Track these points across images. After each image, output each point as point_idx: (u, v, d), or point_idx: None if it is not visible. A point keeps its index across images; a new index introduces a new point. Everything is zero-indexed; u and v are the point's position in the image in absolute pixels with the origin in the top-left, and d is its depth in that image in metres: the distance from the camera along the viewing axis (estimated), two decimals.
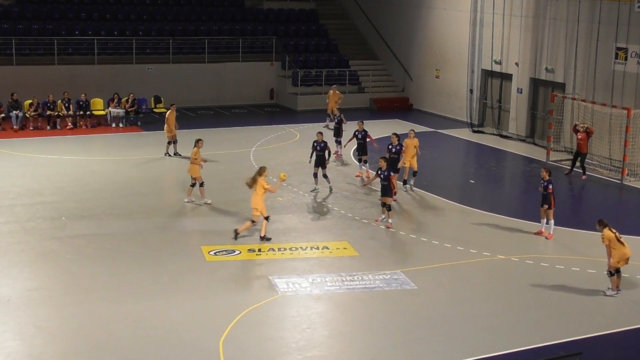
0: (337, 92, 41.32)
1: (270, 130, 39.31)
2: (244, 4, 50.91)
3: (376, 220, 25.64)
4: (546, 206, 24.50)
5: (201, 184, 26.96)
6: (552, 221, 24.69)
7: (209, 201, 26.99)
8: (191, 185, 26.99)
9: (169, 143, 33.45)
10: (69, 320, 18.15)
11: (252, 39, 47.57)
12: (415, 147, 28.96)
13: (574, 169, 32.31)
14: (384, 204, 25.38)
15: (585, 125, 32.45)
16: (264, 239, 23.55)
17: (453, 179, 32.26)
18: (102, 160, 32.75)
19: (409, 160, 28.79)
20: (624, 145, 32.15)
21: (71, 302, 19.08)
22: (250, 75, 46.50)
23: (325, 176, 28.76)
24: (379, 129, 37.60)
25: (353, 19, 52.66)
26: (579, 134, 32.01)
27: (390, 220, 25.28)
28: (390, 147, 28.27)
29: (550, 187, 24.38)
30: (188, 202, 26.96)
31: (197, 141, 27.26)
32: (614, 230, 20.24)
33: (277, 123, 41.39)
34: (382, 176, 25.22)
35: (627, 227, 26.14)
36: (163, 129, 34.07)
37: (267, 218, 23.79)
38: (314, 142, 29.16)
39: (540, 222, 24.98)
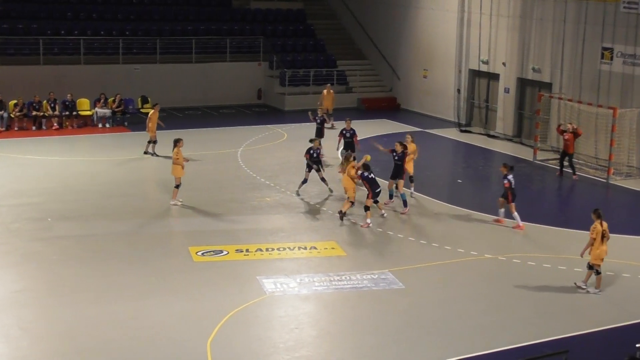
0: (332, 91, 41.34)
1: (258, 131, 39.27)
2: (231, 3, 50.82)
3: (380, 207, 26.24)
4: (502, 199, 25.33)
5: (177, 186, 26.80)
6: (515, 214, 25.25)
7: (179, 203, 26.78)
8: (176, 187, 26.94)
9: (149, 142, 33.36)
10: (54, 322, 18.08)
11: (240, 39, 47.50)
12: (413, 152, 28.70)
13: (564, 169, 32.35)
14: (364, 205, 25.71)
15: (574, 126, 32.51)
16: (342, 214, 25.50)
17: (441, 179, 32.29)
18: (88, 161, 32.65)
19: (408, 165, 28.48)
20: (610, 145, 32.24)
21: (57, 304, 19.01)
22: (238, 75, 46.43)
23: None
24: (366, 129, 37.64)
25: (341, 19, 52.66)
26: (565, 134, 32.07)
27: (368, 220, 25.37)
28: (393, 154, 27.28)
29: (506, 181, 25.06)
30: (174, 204, 26.84)
31: (178, 141, 27.04)
32: (604, 227, 20.29)
33: (265, 123, 41.35)
34: (396, 157, 26.56)
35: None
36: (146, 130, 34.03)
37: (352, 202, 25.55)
38: (342, 129, 30.38)
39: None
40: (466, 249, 23.47)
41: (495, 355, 17.02)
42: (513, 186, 25.36)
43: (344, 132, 31.10)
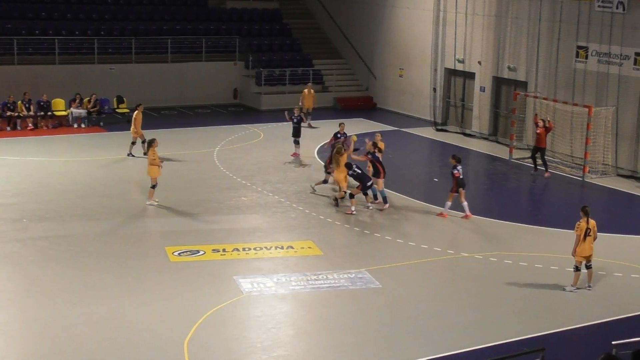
0: (312, 91, 41.34)
1: (234, 130, 39.22)
2: (207, 3, 50.71)
3: (367, 200, 26.96)
4: (460, 190, 26.04)
5: (153, 186, 26.70)
6: (464, 203, 26.11)
7: (155, 203, 26.67)
8: (152, 186, 26.82)
9: (132, 143, 33.21)
10: (31, 323, 18.00)
11: (216, 38, 47.40)
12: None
13: (538, 166, 32.48)
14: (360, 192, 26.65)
15: (547, 119, 32.62)
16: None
17: (417, 178, 32.35)
18: (64, 161, 32.49)
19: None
20: (585, 143, 32.40)
21: (34, 305, 18.92)
22: (214, 75, 46.33)
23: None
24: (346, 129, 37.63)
25: (317, 19, 52.65)
26: (538, 128, 32.20)
27: (353, 208, 26.35)
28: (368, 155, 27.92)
29: (455, 172, 25.90)
30: (150, 204, 26.72)
31: (152, 141, 26.93)
32: (590, 225, 20.34)
33: (241, 123, 41.29)
34: (370, 157, 27.39)
35: None
36: (126, 129, 33.86)
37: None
38: (336, 132, 30.15)
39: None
40: (443, 247, 23.53)
41: (473, 354, 17.07)
42: (462, 177, 26.06)
43: (338, 135, 30.77)
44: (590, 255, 20.47)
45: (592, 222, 20.44)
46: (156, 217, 25.93)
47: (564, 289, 20.61)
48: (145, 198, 26.94)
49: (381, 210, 26.95)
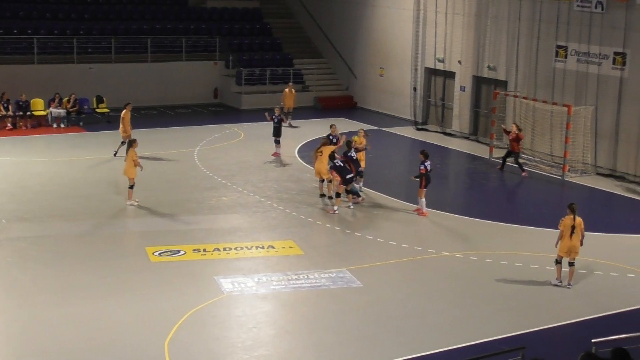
0: (293, 90, 41.31)
1: (215, 130, 39.14)
2: (187, 2, 50.59)
3: (349, 199, 27.12)
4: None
5: (132, 186, 26.53)
6: (422, 200, 26.35)
7: (135, 203, 26.52)
8: (130, 187, 26.65)
9: (122, 143, 32.75)
10: (11, 324, 17.91)
11: (196, 38, 47.31)
12: (363, 147, 29.09)
13: (506, 164, 32.72)
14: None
15: (516, 132, 32.54)
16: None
17: (398, 177, 32.38)
18: (43, 162, 32.33)
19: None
20: (565, 142, 32.53)
21: (13, 306, 18.83)
22: (194, 74, 46.22)
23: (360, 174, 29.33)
24: (324, 128, 37.60)
25: (297, 18, 52.62)
26: (509, 134, 32.44)
27: (335, 208, 26.58)
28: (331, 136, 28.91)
29: (422, 167, 26.20)
30: (130, 205, 26.63)
31: (132, 142, 26.82)
32: (576, 222, 20.49)
33: (221, 122, 41.22)
34: (333, 140, 27.71)
35: None
36: (106, 129, 33.72)
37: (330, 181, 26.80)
38: (328, 134, 29.79)
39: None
40: (424, 246, 23.57)
41: (454, 352, 17.09)
42: (429, 172, 26.29)
43: (331, 137, 30.24)
44: (575, 254, 20.61)
45: (578, 219, 20.58)
46: (136, 217, 25.84)
47: (551, 283, 20.85)
48: (125, 198, 26.83)
49: (356, 202, 27.40)
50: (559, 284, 20.78)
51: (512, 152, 32.50)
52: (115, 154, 32.86)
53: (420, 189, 26.26)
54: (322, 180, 27.88)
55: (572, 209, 20.57)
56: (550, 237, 22.35)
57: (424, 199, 26.36)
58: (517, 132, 32.47)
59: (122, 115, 32.95)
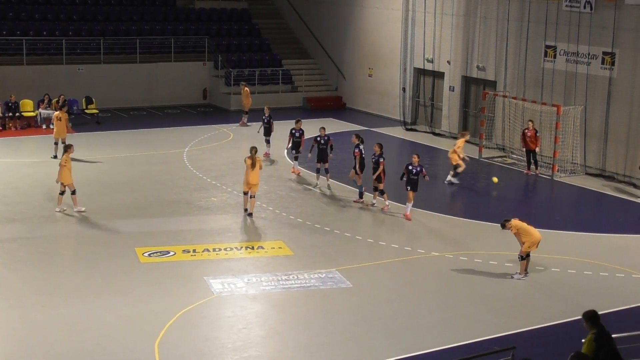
0: (247, 88, 41.35)
1: (204, 131, 39.09)
2: (175, 3, 50.51)
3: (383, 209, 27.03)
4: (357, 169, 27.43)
5: (73, 192, 25.80)
6: (360, 184, 27.82)
7: (83, 209, 25.89)
8: (60, 193, 25.85)
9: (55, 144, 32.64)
10: (0, 326, 17.83)
11: (184, 38, 47.26)
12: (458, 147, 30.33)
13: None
14: (379, 190, 27.04)
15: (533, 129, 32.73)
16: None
17: (386, 177, 32.33)
18: (32, 163, 32.26)
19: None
20: (554, 142, 32.60)
21: (2, 307, 18.77)
22: (183, 75, 46.17)
23: (327, 170, 29.64)
24: (313, 129, 37.57)
25: (286, 18, 52.60)
26: (528, 131, 32.45)
27: (387, 202, 27.15)
28: (410, 167, 26.39)
29: (356, 150, 27.41)
30: (59, 211, 25.79)
31: (68, 147, 26.27)
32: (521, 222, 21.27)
33: (211, 123, 41.18)
34: (413, 171, 26.14)
35: (558, 221, 26.64)
36: (96, 130, 33.63)
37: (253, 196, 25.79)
38: (317, 136, 29.92)
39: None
40: (413, 247, 23.58)
41: (444, 353, 17.10)
42: (363, 155, 27.31)
43: (293, 131, 31.08)
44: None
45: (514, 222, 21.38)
46: (125, 218, 25.77)
47: (511, 277, 21.35)
48: (116, 199, 26.75)
49: (355, 201, 27.85)
50: (524, 278, 21.27)
51: (531, 151, 32.51)
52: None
53: (357, 174, 27.34)
54: (246, 193, 26.05)
55: (506, 220, 21.41)
56: (542, 236, 22.37)
57: (360, 182, 27.30)
58: (533, 129, 32.47)
59: (56, 116, 32.76)
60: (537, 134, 32.41)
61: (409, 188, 26.16)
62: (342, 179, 30.22)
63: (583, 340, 13.56)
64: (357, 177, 27.66)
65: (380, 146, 27.14)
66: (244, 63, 47.30)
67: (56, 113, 33.17)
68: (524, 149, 32.94)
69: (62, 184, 25.86)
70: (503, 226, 21.33)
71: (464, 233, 25.18)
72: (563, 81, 34.06)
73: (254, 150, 26.03)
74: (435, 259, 22.82)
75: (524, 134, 32.59)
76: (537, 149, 32.39)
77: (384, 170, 26.75)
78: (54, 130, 32.80)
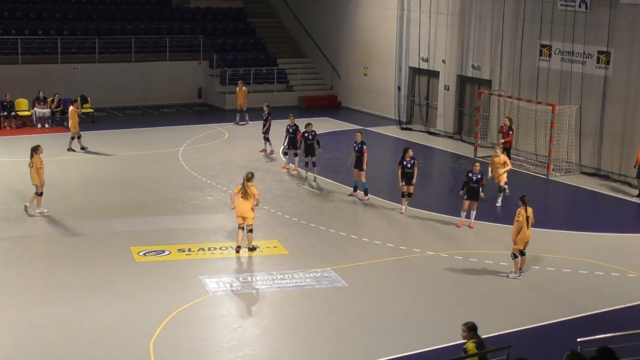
0: (244, 88, 41.33)
1: (199, 130, 39.08)
2: (170, 2, 50.45)
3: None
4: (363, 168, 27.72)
5: (40, 194, 25.53)
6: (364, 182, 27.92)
7: (45, 211, 25.52)
8: (39, 194, 25.62)
9: (72, 138, 33.33)
10: None
11: (180, 37, 47.22)
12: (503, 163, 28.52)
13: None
14: (409, 194, 26.63)
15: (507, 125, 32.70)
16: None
17: (382, 177, 32.37)
18: (27, 162, 32.10)
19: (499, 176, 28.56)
20: (549, 141, 32.63)
21: None
22: (178, 74, 46.12)
23: (314, 164, 30.20)
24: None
25: (281, 17, 52.57)
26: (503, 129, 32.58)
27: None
28: (470, 175, 25.50)
29: (364, 147, 27.79)
30: (40, 213, 25.51)
31: (37, 148, 25.84)
32: (529, 213, 21.06)
33: (206, 122, 41.16)
34: (473, 179, 25.17)
35: (553, 221, 26.63)
36: (91, 130, 33.62)
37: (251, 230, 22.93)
38: (304, 132, 30.19)
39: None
40: (408, 246, 23.59)
41: (439, 352, 17.10)
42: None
43: (288, 127, 31.28)
44: (527, 243, 21.26)
45: (529, 209, 21.13)
46: (121, 216, 25.75)
47: (507, 276, 21.33)
48: (111, 197, 26.72)
49: (361, 199, 27.95)
50: (519, 277, 21.25)
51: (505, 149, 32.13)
52: (82, 149, 33.35)
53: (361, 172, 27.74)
54: (242, 228, 22.87)
55: (523, 201, 21.16)
56: (538, 236, 22.43)
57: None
58: (506, 125, 32.47)
59: (69, 112, 33.39)
60: (510, 132, 32.42)
61: (466, 197, 25.28)
62: (337, 178, 30.23)
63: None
64: (361, 174, 27.77)
65: (361, 134, 28.46)
66: (239, 62, 47.27)
67: (72, 108, 33.60)
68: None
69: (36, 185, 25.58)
70: (523, 202, 21.06)
71: (459, 232, 25.17)
72: (558, 80, 34.08)
73: (246, 176, 22.71)
74: (430, 258, 22.83)
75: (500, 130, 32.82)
76: (509, 145, 32.20)
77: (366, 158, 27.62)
78: (70, 124, 33.37)
